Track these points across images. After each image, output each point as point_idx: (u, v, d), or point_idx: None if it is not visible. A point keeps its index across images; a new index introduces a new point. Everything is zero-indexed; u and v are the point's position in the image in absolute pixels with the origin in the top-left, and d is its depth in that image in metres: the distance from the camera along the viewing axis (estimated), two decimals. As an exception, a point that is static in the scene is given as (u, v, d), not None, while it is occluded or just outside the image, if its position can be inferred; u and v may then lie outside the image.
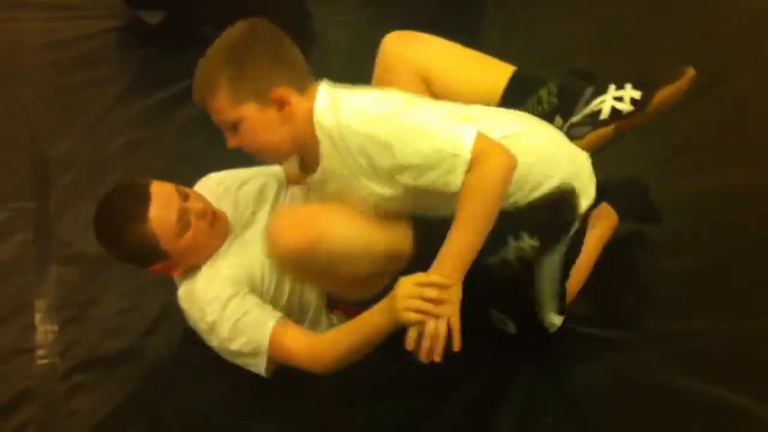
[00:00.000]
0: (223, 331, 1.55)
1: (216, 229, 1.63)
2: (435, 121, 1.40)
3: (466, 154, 1.34)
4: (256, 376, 1.60)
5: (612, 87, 1.69)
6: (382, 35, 2.68)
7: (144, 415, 1.69)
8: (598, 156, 1.87)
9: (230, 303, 1.56)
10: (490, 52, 2.62)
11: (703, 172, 2.18)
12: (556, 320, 1.68)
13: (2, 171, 2.17)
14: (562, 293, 1.65)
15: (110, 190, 1.63)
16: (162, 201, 1.56)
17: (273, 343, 1.53)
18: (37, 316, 1.84)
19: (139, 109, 2.39)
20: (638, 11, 2.78)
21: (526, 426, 1.53)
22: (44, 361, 1.76)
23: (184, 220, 1.57)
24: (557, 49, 2.61)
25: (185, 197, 1.60)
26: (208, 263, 1.64)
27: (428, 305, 1.31)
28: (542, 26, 2.72)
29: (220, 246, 1.65)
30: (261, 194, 1.74)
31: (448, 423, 1.64)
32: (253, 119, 1.40)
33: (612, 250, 1.94)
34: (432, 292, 1.32)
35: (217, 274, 1.62)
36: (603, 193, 1.71)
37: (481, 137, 1.36)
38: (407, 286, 1.33)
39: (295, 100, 1.40)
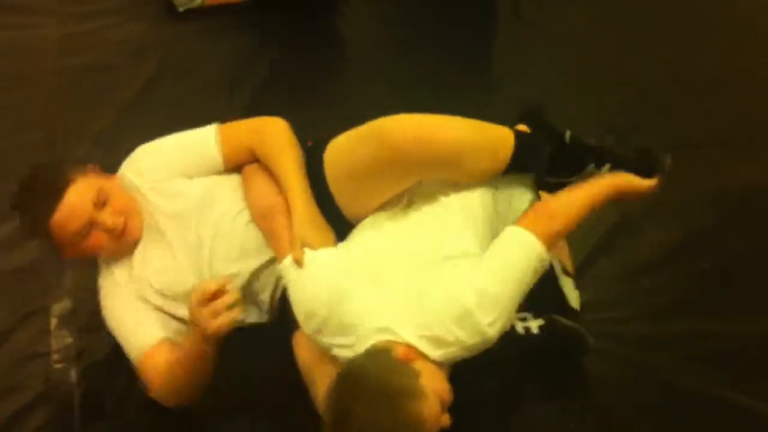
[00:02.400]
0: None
1: (122, 242, 1.64)
2: None
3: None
4: (265, 388, 1.67)
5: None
6: (394, 31, 2.72)
7: (161, 420, 1.70)
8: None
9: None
10: (501, 49, 2.68)
11: (713, 170, 2.17)
12: (575, 296, 1.74)
13: (17, 176, 2.18)
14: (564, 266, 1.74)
15: (39, 168, 1.69)
16: (71, 207, 1.56)
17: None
18: (54, 321, 1.85)
19: (152, 114, 2.39)
20: (646, 8, 2.76)
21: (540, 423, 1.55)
22: (60, 365, 1.78)
23: (84, 232, 1.59)
24: (567, 46, 2.61)
25: (102, 204, 1.60)
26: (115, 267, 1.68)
27: None
28: (552, 22, 2.72)
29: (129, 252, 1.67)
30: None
31: (466, 419, 1.66)
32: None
33: (630, 248, 1.96)
34: None
35: (117, 284, 1.67)
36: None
37: None
38: None
39: None
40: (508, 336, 1.65)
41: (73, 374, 1.76)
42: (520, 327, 1.68)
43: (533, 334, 1.68)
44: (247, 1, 2.79)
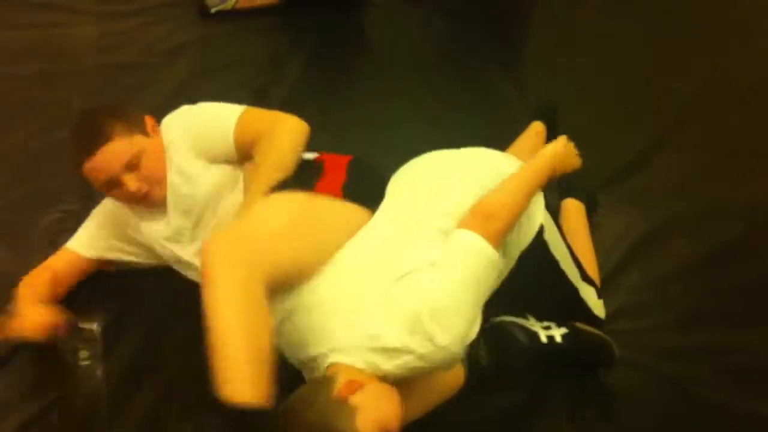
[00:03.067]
0: None
1: (142, 205, 1.73)
2: None
3: None
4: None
5: None
6: (425, 31, 2.71)
7: (186, 414, 1.70)
8: (650, 165, 1.86)
9: None
10: (533, 50, 2.65)
11: (743, 180, 2.15)
12: (599, 305, 1.74)
13: (50, 174, 2.22)
14: (583, 271, 1.72)
15: (94, 111, 1.75)
16: (101, 162, 1.65)
17: None
18: (82, 317, 1.86)
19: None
20: (682, 15, 2.74)
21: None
22: (86, 363, 1.79)
23: (109, 185, 1.68)
24: (600, 50, 2.58)
25: (133, 167, 1.67)
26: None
27: None
28: (586, 26, 2.71)
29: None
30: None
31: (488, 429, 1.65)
32: None
33: (658, 258, 1.94)
34: None
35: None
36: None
37: None
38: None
39: None
40: (532, 345, 1.64)
41: (100, 372, 1.77)
42: (543, 336, 1.66)
43: (557, 343, 1.66)
44: (277, 3, 2.80)
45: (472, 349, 1.58)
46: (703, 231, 2.00)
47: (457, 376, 1.59)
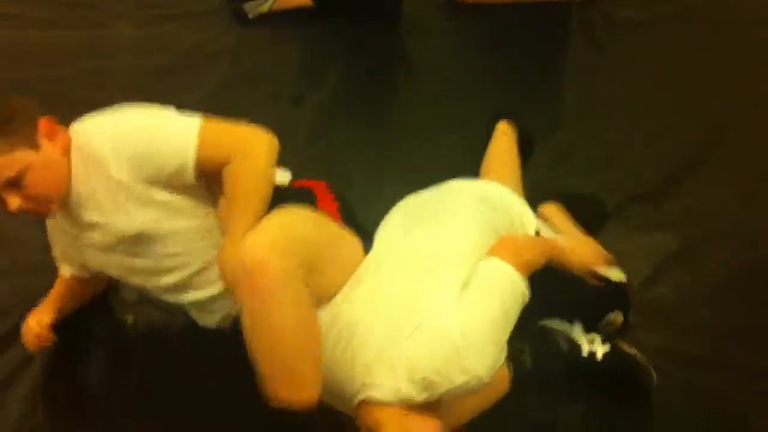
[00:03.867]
0: None
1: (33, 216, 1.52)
2: None
3: None
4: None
5: None
6: (459, 43, 2.72)
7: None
8: (693, 182, 1.99)
9: None
10: (570, 72, 2.66)
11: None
12: (616, 272, 1.76)
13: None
14: None
15: None
16: None
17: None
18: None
19: (224, 116, 2.45)
20: (718, 35, 2.77)
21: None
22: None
23: None
24: (636, 74, 2.61)
25: (16, 184, 1.43)
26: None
27: None
28: (623, 48, 2.72)
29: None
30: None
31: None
32: None
33: (696, 278, 1.95)
34: None
35: None
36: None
37: None
38: None
39: None
40: (572, 355, 1.68)
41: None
42: (585, 350, 1.68)
43: (597, 361, 1.67)
44: (314, 7, 2.82)
45: (518, 352, 1.60)
46: (735, 250, 2.01)
47: (502, 378, 1.57)
